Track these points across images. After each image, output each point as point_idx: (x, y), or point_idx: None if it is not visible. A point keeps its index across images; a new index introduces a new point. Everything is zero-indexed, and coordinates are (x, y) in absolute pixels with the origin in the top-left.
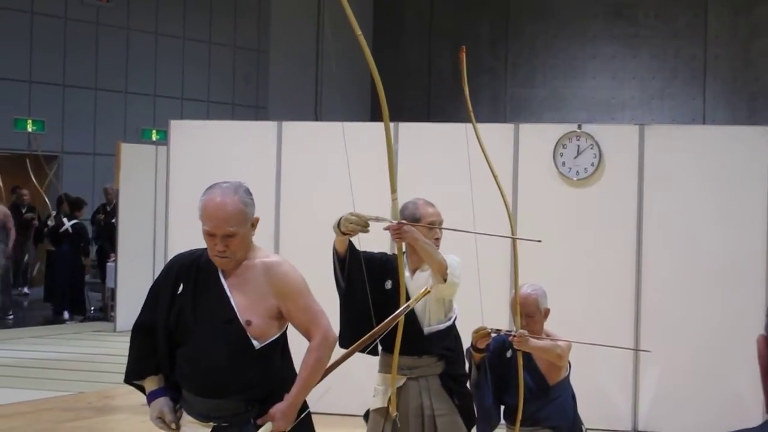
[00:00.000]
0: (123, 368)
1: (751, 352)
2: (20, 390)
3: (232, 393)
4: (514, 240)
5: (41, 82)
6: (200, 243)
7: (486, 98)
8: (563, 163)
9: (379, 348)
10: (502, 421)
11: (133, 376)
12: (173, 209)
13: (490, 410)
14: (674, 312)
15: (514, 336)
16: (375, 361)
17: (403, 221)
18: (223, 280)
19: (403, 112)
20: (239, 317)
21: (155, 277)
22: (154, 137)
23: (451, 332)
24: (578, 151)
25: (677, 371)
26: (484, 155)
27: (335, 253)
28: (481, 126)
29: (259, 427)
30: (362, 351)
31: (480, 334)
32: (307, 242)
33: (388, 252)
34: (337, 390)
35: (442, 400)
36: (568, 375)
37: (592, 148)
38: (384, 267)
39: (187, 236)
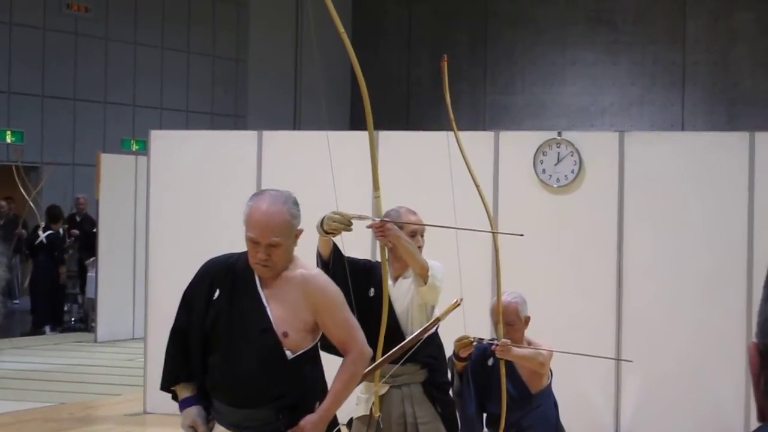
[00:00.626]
0: (105, 378)
1: (732, 358)
2: (2, 401)
3: (263, 403)
4: (495, 242)
5: (20, 93)
6: (182, 253)
7: (465, 106)
8: (543, 171)
9: None
10: (485, 429)
11: (169, 383)
12: (154, 219)
13: (472, 419)
14: (656, 318)
15: (497, 345)
16: None
17: (386, 219)
18: (260, 289)
19: (382, 121)
20: (275, 328)
21: (135, 288)
22: (133, 147)
23: (434, 340)
24: (558, 158)
25: (659, 378)
26: (466, 163)
27: (319, 256)
28: (461, 134)
29: None
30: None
31: (462, 343)
32: None
33: (371, 259)
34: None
35: (425, 407)
36: (550, 383)
37: (572, 155)
38: (368, 274)
39: (168, 246)
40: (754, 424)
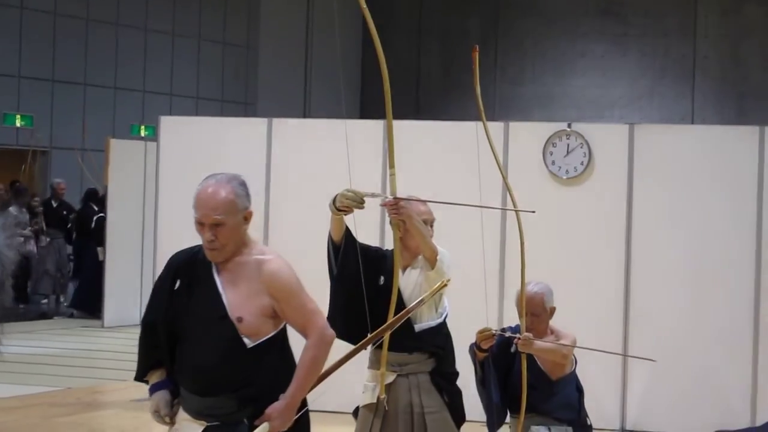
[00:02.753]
0: (112, 364)
1: (739, 351)
2: (8, 385)
3: (223, 391)
4: (521, 237)
5: (30, 77)
6: (190, 239)
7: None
8: (553, 162)
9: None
10: (509, 414)
11: (141, 373)
12: (162, 205)
13: (497, 408)
14: (664, 310)
15: (519, 338)
16: (364, 357)
17: (400, 197)
18: (216, 276)
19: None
20: (230, 314)
21: (143, 273)
22: (143, 133)
23: (442, 329)
24: (568, 150)
25: (666, 371)
26: (493, 153)
27: (330, 240)
28: (470, 124)
29: (256, 427)
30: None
31: (484, 335)
32: (297, 238)
33: (381, 246)
34: (326, 387)
35: (432, 397)
36: (574, 369)
37: (581, 147)
38: (379, 262)
39: (177, 232)
40: (760, 417)
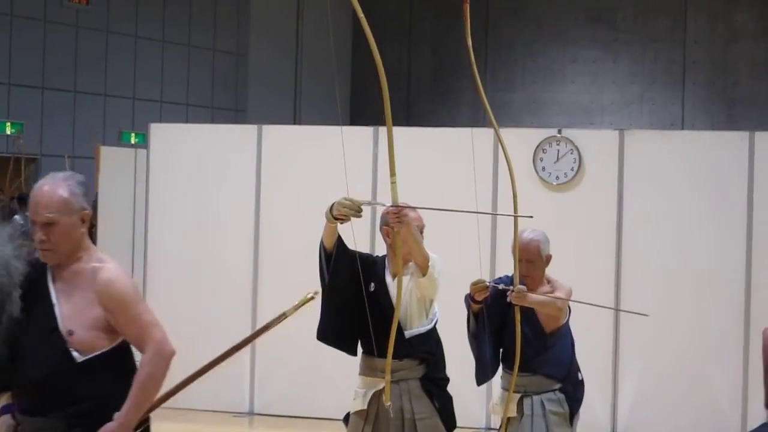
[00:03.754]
0: None
1: (730, 356)
2: None
3: (51, 410)
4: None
5: (20, 85)
6: (180, 247)
7: (465, 102)
8: (543, 168)
9: (360, 351)
10: (500, 367)
11: None
12: (153, 213)
13: (488, 362)
14: (654, 316)
15: (512, 291)
16: (354, 365)
17: (405, 204)
18: (51, 285)
19: (381, 116)
20: (61, 327)
21: (134, 280)
22: (133, 140)
23: (432, 335)
24: (558, 156)
25: (657, 376)
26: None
27: (322, 247)
28: (461, 130)
29: None
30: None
31: (478, 287)
32: (288, 245)
33: (371, 252)
34: (317, 394)
35: (423, 403)
36: (568, 320)
37: (572, 153)
38: (370, 269)
39: (167, 240)
40: (752, 422)
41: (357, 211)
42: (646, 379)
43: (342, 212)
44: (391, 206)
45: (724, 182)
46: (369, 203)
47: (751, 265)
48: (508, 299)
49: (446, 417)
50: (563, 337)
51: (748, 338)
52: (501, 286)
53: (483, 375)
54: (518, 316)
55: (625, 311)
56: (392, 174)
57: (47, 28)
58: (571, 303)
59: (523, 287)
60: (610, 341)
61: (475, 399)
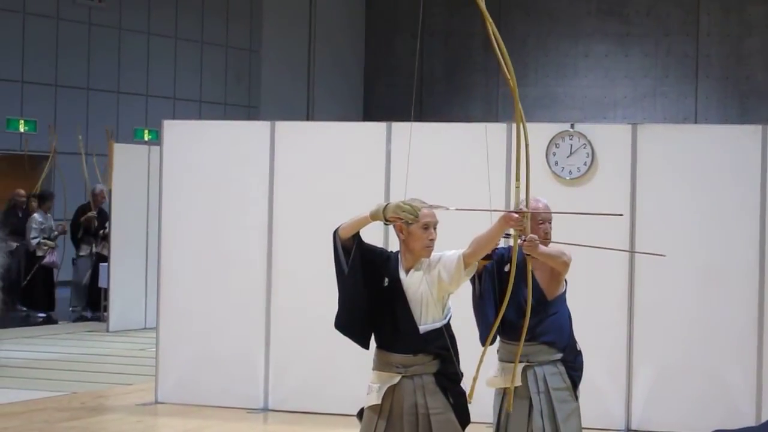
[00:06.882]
0: (116, 368)
1: (743, 350)
2: (13, 390)
3: None
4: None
5: (33, 83)
6: (193, 243)
7: (478, 97)
8: (556, 163)
9: (373, 345)
10: (498, 337)
11: None
12: (166, 209)
13: (490, 323)
14: (668, 310)
15: (524, 240)
16: (368, 360)
17: (523, 208)
18: None
19: (394, 112)
20: None
21: (147, 277)
22: (146, 137)
23: (447, 331)
24: (571, 150)
25: (670, 369)
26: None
27: (340, 242)
28: (474, 125)
29: None
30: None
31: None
32: (301, 240)
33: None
34: (331, 389)
35: (437, 398)
36: (565, 291)
37: (585, 148)
38: (384, 264)
39: (181, 237)
40: (766, 416)
41: (414, 216)
42: (661, 374)
43: (400, 215)
44: (520, 210)
45: (738, 176)
46: (431, 206)
47: (765, 259)
48: (506, 268)
49: (460, 412)
50: (562, 305)
51: (762, 332)
52: (512, 234)
53: (486, 331)
54: (511, 284)
55: (640, 252)
56: (517, 179)
57: (60, 26)
58: (568, 277)
59: (535, 236)
60: (624, 335)
61: (489, 394)
